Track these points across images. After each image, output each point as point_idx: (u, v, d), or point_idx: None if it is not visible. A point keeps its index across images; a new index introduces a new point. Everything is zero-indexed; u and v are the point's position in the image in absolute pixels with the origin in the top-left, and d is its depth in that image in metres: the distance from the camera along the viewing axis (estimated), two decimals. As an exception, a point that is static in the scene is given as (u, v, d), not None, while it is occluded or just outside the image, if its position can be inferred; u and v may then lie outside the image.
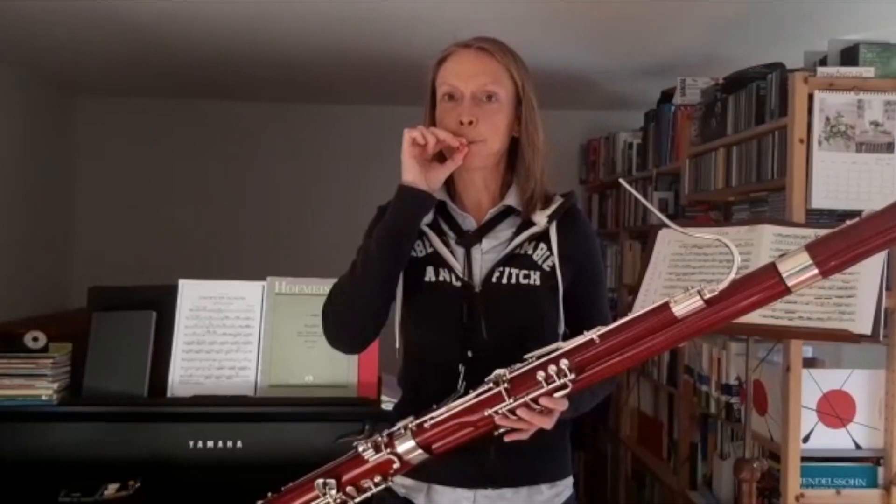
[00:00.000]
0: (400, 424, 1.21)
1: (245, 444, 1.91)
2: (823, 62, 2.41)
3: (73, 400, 1.96)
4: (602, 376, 1.15)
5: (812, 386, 2.24)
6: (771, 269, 1.04)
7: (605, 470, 4.35)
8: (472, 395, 1.18)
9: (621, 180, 1.28)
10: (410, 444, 1.19)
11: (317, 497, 1.20)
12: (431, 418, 1.19)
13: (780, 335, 2.02)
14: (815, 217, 2.22)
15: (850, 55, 2.35)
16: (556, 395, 1.14)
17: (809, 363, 2.39)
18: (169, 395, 1.98)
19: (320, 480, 1.20)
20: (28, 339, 1.97)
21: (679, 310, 1.07)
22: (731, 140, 2.75)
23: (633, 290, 2.01)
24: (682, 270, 1.92)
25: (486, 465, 1.34)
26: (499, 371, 1.17)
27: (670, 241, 1.97)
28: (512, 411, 1.16)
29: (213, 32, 3.26)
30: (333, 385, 2.00)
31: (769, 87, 2.50)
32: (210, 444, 1.90)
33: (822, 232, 1.81)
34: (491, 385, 1.16)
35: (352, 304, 1.37)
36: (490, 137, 1.36)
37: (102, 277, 2.39)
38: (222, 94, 4.65)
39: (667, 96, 3.72)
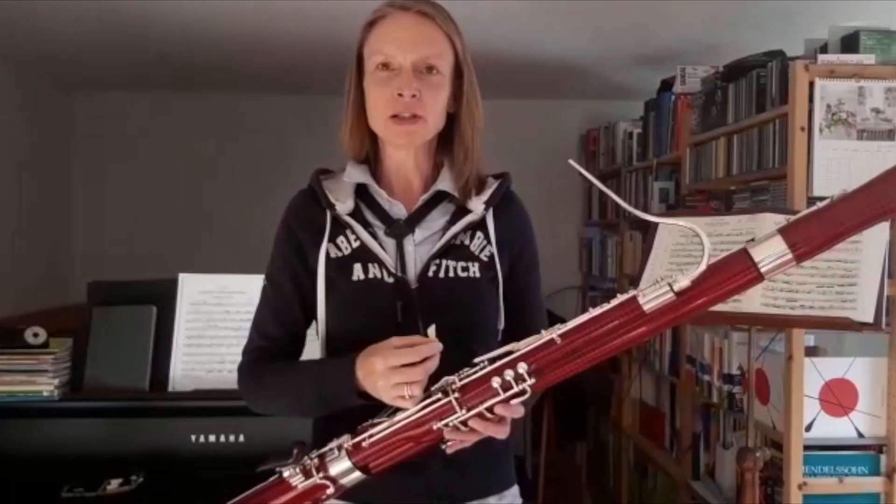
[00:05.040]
0: (333, 444, 1.10)
1: (247, 437, 1.90)
2: (824, 49, 2.40)
3: (74, 395, 1.96)
4: (561, 378, 1.04)
5: (814, 375, 2.23)
6: (743, 257, 0.98)
7: (607, 460, 4.36)
8: (417, 406, 1.06)
9: (572, 162, 1.13)
10: (346, 465, 1.08)
11: None
12: (371, 435, 1.07)
13: (781, 324, 2.02)
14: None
15: (850, 42, 2.34)
16: (514, 402, 1.04)
17: (811, 352, 2.39)
18: (170, 389, 1.98)
19: None
20: (28, 334, 1.97)
21: (647, 303, 1.00)
22: (732, 129, 2.74)
23: (634, 280, 2.01)
24: (684, 260, 1.91)
25: (432, 480, 1.21)
26: (447, 378, 1.05)
27: (671, 231, 1.97)
28: (464, 422, 1.04)
29: (212, 25, 3.25)
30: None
31: (769, 75, 2.50)
32: (212, 438, 1.90)
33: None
34: (439, 395, 1.05)
35: (285, 413, 1.31)
36: (432, 114, 1.22)
37: (102, 272, 2.38)
38: (221, 87, 4.64)
39: (667, 85, 3.70)
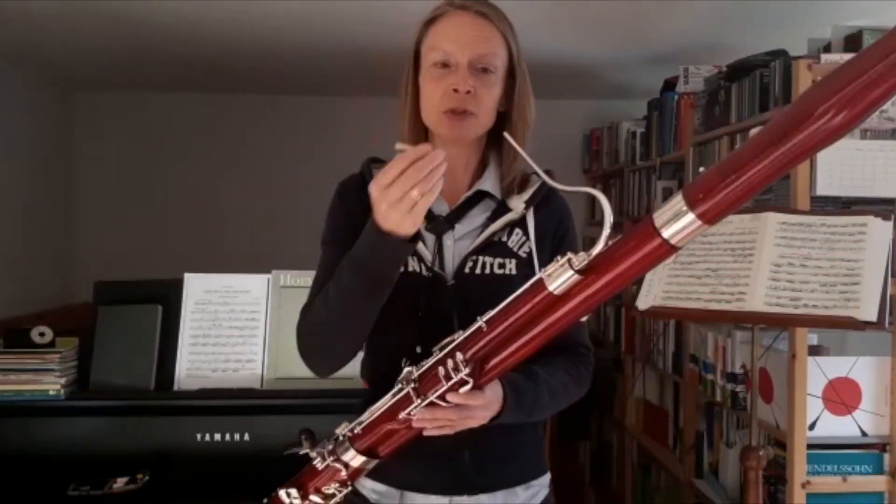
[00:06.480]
0: (338, 431, 1.17)
1: (252, 436, 1.91)
2: (827, 49, 2.40)
3: (80, 394, 1.97)
4: (508, 367, 1.06)
5: (817, 373, 2.23)
6: (646, 224, 0.91)
7: (610, 459, 4.37)
8: (388, 396, 1.12)
9: (506, 134, 1.15)
10: (351, 450, 1.15)
11: None
12: (360, 423, 1.15)
13: (785, 323, 2.02)
14: (820, 204, 2.21)
15: (853, 42, 2.33)
16: (461, 390, 1.06)
17: (815, 351, 2.39)
18: (176, 388, 1.99)
19: (283, 490, 1.20)
20: (35, 334, 1.98)
21: (555, 286, 0.99)
22: (735, 128, 2.75)
23: (637, 280, 2.01)
24: (687, 259, 1.92)
25: (461, 471, 1.25)
26: (407, 369, 1.10)
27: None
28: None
29: (213, 26, 3.26)
30: (339, 377, 2.00)
31: (772, 74, 2.50)
32: (217, 436, 1.91)
33: (829, 219, 1.81)
34: (402, 385, 1.10)
35: (336, 340, 1.24)
36: (484, 112, 1.25)
37: (107, 272, 2.39)
38: (223, 87, 4.65)
39: (670, 85, 3.71)
